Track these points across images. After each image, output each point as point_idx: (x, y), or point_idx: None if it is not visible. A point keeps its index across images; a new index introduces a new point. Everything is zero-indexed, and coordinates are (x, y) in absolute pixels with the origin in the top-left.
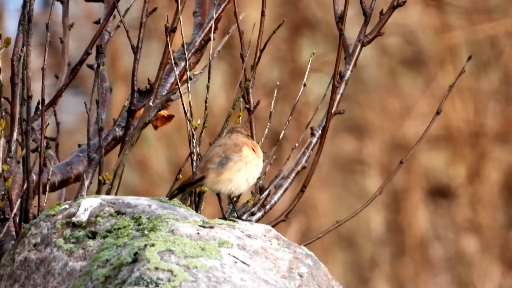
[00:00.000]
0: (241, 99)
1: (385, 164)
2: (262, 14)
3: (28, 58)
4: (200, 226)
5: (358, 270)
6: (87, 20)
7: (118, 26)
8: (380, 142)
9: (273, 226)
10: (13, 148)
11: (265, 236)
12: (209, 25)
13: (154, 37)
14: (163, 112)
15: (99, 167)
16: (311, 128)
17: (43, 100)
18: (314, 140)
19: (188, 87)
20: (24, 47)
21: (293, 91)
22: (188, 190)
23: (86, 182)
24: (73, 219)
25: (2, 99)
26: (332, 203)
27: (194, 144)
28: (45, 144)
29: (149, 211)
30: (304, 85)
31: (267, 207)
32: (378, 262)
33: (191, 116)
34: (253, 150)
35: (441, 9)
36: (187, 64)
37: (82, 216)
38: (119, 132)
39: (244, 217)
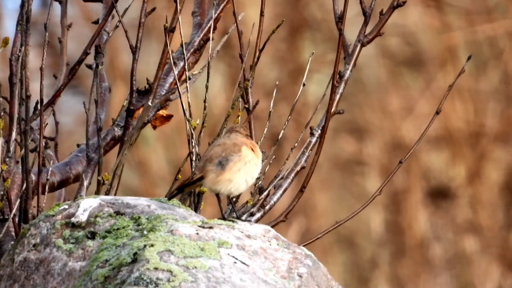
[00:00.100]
0: (240, 99)
1: (385, 164)
2: (261, 14)
3: (27, 58)
4: (199, 226)
5: (358, 270)
6: (85, 20)
7: (117, 26)
8: (380, 143)
9: (272, 227)
10: (12, 148)
11: (264, 236)
12: (208, 25)
13: (153, 37)
14: (162, 112)
15: (98, 167)
16: (311, 128)
17: (41, 100)
18: (314, 140)
19: (187, 87)
20: (23, 47)
21: (293, 91)
22: (187, 190)
23: (85, 182)
24: (73, 219)
25: (1, 98)
26: (332, 204)
27: (193, 144)
28: (44, 144)
29: (148, 212)
30: (304, 85)
31: (267, 207)
32: (378, 262)
33: (190, 116)
34: (252, 150)
35: (441, 9)
36: (186, 64)
37: (82, 216)
38: (118, 132)
39: (243, 218)
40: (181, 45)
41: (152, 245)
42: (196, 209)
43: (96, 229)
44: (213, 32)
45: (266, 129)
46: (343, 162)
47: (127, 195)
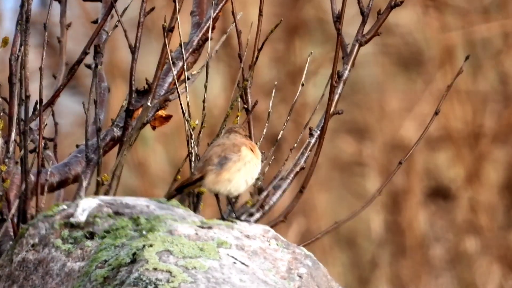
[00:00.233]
0: (239, 99)
1: (385, 165)
2: (260, 14)
3: (26, 58)
4: (198, 226)
5: (358, 271)
6: (85, 20)
7: (116, 26)
8: (380, 143)
9: (272, 227)
10: (11, 149)
11: (263, 236)
12: (207, 24)
13: (152, 37)
14: (161, 112)
15: (97, 167)
16: (310, 129)
17: (41, 100)
18: (313, 140)
19: (186, 87)
20: (22, 47)
21: (293, 91)
22: (187, 190)
23: (84, 183)
24: (71, 219)
25: (0, 99)
26: (332, 204)
27: (193, 144)
28: (43, 144)
29: (147, 212)
30: (302, 85)
31: (266, 208)
32: (378, 263)
33: (189, 116)
34: (252, 150)
35: (439, 9)
36: (185, 64)
37: (80, 216)
38: (117, 132)
39: (242, 218)
40: (180, 45)
41: (151, 245)
42: (195, 210)
43: (95, 229)
44: (211, 32)
45: (265, 129)
46: (343, 162)
47: (126, 196)
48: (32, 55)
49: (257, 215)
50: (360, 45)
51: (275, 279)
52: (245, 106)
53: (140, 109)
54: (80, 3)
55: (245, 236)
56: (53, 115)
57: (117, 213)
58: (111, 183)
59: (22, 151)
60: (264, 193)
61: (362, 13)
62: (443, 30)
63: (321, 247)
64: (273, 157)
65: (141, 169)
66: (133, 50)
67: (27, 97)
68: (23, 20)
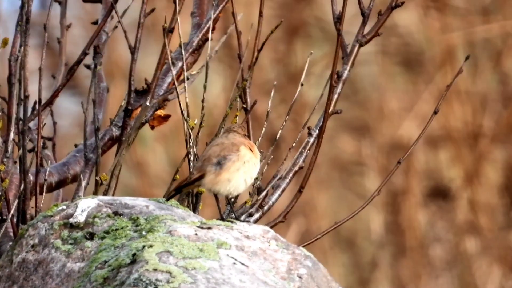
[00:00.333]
0: (238, 99)
1: (384, 164)
2: (260, 14)
3: (26, 58)
4: (198, 227)
5: (358, 271)
6: (82, 22)
7: (116, 27)
8: (379, 143)
9: (271, 227)
10: (9, 148)
11: (263, 237)
12: (207, 25)
13: (152, 37)
14: (160, 112)
15: (96, 167)
16: (309, 128)
17: (40, 100)
18: (312, 140)
19: (185, 87)
20: (22, 48)
21: (292, 91)
22: (186, 190)
23: (83, 183)
24: (71, 220)
25: None
26: (331, 204)
27: (191, 144)
28: (42, 144)
29: (146, 212)
30: (302, 85)
31: (265, 208)
32: (378, 263)
33: (188, 116)
34: (251, 149)
35: (439, 10)
36: (185, 64)
37: (80, 217)
38: (116, 132)
39: (242, 218)
40: (180, 45)
41: (151, 246)
42: (194, 210)
43: (95, 229)
44: (212, 33)
45: (264, 129)
46: (342, 162)
47: (125, 196)
48: (31, 56)
49: (257, 215)
50: (360, 45)
51: (275, 280)
52: (244, 106)
53: (139, 109)
54: (78, 5)
55: (244, 237)
56: (52, 114)
57: (116, 214)
58: (110, 183)
59: (21, 151)
60: (263, 193)
61: (362, 13)
62: (443, 30)
63: (321, 247)
64: (272, 156)
65: (140, 169)
66: (133, 50)
67: (26, 97)
68: (23, 21)
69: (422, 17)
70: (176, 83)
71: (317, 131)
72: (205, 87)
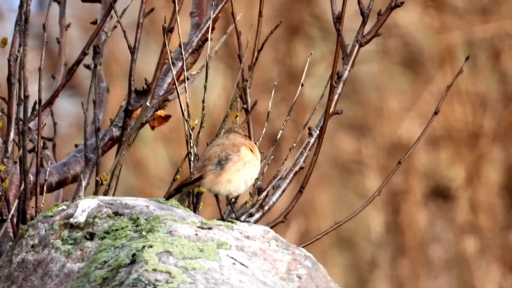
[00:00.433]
0: (239, 99)
1: (384, 164)
2: (260, 14)
3: (25, 58)
4: (198, 227)
5: (357, 271)
6: (80, 22)
7: (115, 27)
8: (379, 143)
9: (271, 227)
10: (9, 149)
11: (263, 237)
12: (207, 25)
13: (152, 37)
14: (160, 112)
15: (96, 167)
16: (309, 128)
17: (40, 100)
18: (312, 140)
19: (185, 87)
20: (21, 48)
21: (293, 91)
22: (186, 190)
23: (84, 183)
24: (71, 220)
25: None
26: (332, 204)
27: (192, 144)
28: (42, 144)
29: (147, 212)
30: (302, 85)
31: (266, 208)
32: (377, 263)
33: (189, 116)
34: (251, 150)
35: (439, 10)
36: (185, 64)
37: (80, 217)
38: (116, 132)
39: (242, 218)
40: (180, 46)
41: (150, 246)
42: (195, 210)
43: (95, 230)
44: (211, 33)
45: (264, 129)
46: (343, 162)
47: (126, 196)
48: (29, 57)
49: (257, 215)
50: (360, 45)
51: (275, 280)
52: (245, 106)
53: (139, 109)
54: (77, 5)
55: (245, 237)
56: (52, 115)
57: (116, 214)
58: (110, 183)
59: (21, 151)
60: (264, 193)
61: (362, 13)
62: (443, 30)
63: (321, 247)
64: (273, 156)
65: (140, 169)
66: (133, 50)
67: (26, 97)
68: (22, 21)
69: (422, 17)
70: (176, 83)
71: (318, 132)
72: (205, 87)
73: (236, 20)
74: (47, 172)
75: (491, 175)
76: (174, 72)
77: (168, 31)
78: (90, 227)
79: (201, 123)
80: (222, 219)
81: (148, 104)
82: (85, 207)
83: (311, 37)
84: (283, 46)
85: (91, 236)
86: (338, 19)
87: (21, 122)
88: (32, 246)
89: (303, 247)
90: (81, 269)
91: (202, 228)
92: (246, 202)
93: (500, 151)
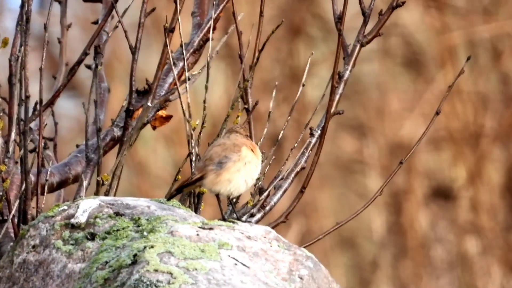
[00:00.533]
0: (240, 99)
1: (386, 164)
2: (261, 14)
3: (26, 58)
4: (199, 227)
5: (359, 272)
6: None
7: (116, 27)
8: (381, 143)
9: (273, 228)
10: (11, 149)
11: (265, 237)
12: (208, 25)
13: (153, 37)
14: (162, 113)
15: (97, 167)
16: (310, 129)
17: (41, 100)
18: (314, 140)
19: (186, 87)
20: (22, 47)
21: (295, 91)
22: (187, 190)
23: (85, 183)
24: (72, 220)
25: (0, 99)
26: (333, 204)
27: (193, 144)
28: (43, 144)
29: (148, 212)
30: (303, 85)
31: (267, 208)
32: (379, 264)
33: (190, 116)
34: (252, 150)
35: (440, 10)
36: (186, 64)
37: (81, 217)
38: (117, 132)
39: (243, 219)
40: (181, 46)
41: (152, 247)
42: (196, 210)
43: (96, 230)
44: (212, 32)
45: (265, 129)
46: (344, 162)
47: (127, 196)
48: (29, 57)
49: (258, 216)
50: (361, 45)
51: (276, 281)
52: (246, 106)
53: (140, 109)
54: (76, 5)
55: (246, 237)
56: (53, 115)
57: (117, 214)
58: (111, 183)
59: (22, 151)
60: (265, 193)
61: (363, 13)
62: (444, 30)
63: (322, 248)
64: (274, 157)
65: (141, 169)
66: (134, 50)
67: (27, 97)
68: (23, 21)
69: (423, 17)
70: (177, 83)
71: (319, 132)
72: (206, 87)
73: (237, 20)
74: (48, 172)
75: (492, 175)
76: (175, 72)
77: (170, 31)
78: (91, 228)
79: (202, 123)
80: (223, 219)
81: (149, 104)
82: (86, 207)
83: (312, 37)
84: (285, 46)
85: (92, 237)
86: (339, 19)
87: (22, 122)
88: (33, 247)
89: (304, 247)
90: (82, 270)
91: (204, 228)
92: (247, 202)
93: (502, 151)
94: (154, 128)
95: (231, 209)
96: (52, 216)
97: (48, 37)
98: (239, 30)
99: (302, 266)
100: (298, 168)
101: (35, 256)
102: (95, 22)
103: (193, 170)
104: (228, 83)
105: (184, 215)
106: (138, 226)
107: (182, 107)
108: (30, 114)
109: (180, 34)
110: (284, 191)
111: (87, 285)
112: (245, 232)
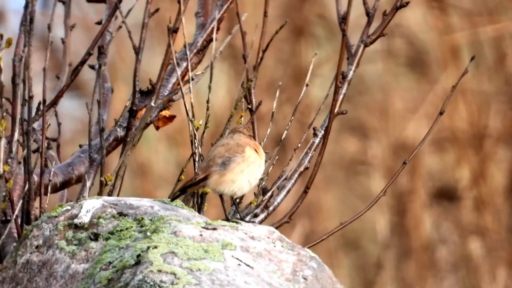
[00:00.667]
0: (243, 100)
1: (389, 165)
2: (265, 14)
3: (30, 58)
4: (203, 227)
5: (363, 273)
6: (88, 21)
7: (120, 27)
8: (384, 143)
9: (276, 228)
10: (14, 149)
11: (268, 238)
12: (212, 25)
13: (157, 37)
14: (165, 113)
15: (100, 168)
16: (314, 129)
17: (44, 100)
18: (317, 140)
19: (190, 87)
20: (26, 48)
21: (298, 92)
22: (190, 191)
23: (88, 183)
24: (75, 220)
25: (3, 99)
26: (337, 205)
27: (196, 144)
28: (46, 144)
29: (151, 213)
30: (307, 85)
31: (270, 208)
32: (383, 265)
33: (193, 116)
34: (256, 150)
35: (444, 10)
36: (189, 65)
37: (84, 217)
38: (120, 132)
39: (247, 219)
40: (184, 46)
41: (155, 247)
42: (199, 210)
43: (99, 230)
44: (216, 33)
45: (269, 129)
46: (347, 162)
47: (130, 196)
48: (33, 57)
49: (262, 216)
50: (365, 46)
51: (280, 281)
52: (249, 106)
53: (144, 110)
54: (80, 5)
55: (250, 238)
56: (56, 115)
57: (121, 214)
58: (114, 183)
59: (25, 151)
60: (268, 193)
61: (367, 14)
62: (448, 31)
63: (326, 248)
64: (277, 157)
65: (145, 170)
66: (137, 51)
67: (30, 97)
68: (27, 21)
69: (426, 17)
70: (181, 83)
71: (323, 132)
72: (210, 87)
73: (241, 20)
74: (52, 173)
75: (496, 176)
76: (179, 73)
77: (173, 31)
78: (94, 228)
79: (206, 124)
80: (227, 219)
81: (152, 104)
82: (89, 207)
83: (316, 38)
84: (288, 47)
85: (95, 237)
86: (343, 19)
87: (25, 123)
88: (37, 247)
89: (308, 248)
90: (85, 270)
91: (207, 228)
92: (250, 203)
93: (505, 152)
94: (157, 128)
95: (235, 210)
96: (56, 216)
97: (52, 37)
98: (243, 31)
99: (306, 267)
100: (301, 168)
101: (39, 257)
102: (99, 23)
103: (196, 170)
104: (231, 83)
105: (188, 215)
106: (142, 226)
107: (186, 107)
108: (33, 114)
109: (183, 34)
110: (288, 192)
111: (91, 286)
112: (248, 232)
